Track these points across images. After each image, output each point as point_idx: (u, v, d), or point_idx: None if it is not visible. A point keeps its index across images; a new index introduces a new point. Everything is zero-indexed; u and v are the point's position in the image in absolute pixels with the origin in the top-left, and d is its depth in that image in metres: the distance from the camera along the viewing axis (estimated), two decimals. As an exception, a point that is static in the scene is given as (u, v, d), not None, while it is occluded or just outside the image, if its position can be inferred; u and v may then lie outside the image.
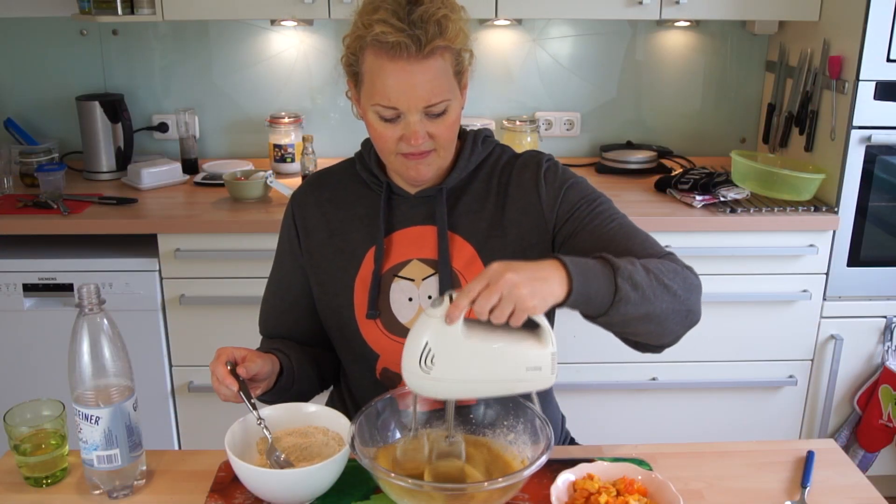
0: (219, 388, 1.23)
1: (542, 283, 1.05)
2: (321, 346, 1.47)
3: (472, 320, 1.07)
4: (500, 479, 1.06)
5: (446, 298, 1.06)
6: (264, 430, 1.21)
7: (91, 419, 1.14)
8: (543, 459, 1.09)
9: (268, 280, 1.49)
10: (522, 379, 1.08)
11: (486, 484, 1.07)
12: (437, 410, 1.25)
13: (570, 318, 1.25)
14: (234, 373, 1.26)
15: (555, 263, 1.09)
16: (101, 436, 1.15)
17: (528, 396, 1.21)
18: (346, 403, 1.48)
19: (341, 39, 1.30)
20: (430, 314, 1.06)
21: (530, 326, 1.09)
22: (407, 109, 1.23)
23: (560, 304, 1.08)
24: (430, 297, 1.34)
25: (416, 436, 1.19)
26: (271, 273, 1.48)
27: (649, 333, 1.20)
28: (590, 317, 1.15)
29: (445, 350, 1.06)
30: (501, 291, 1.02)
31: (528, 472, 1.07)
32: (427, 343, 1.05)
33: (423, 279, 1.35)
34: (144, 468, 1.22)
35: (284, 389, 1.33)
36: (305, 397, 1.40)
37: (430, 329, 1.05)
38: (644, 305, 1.13)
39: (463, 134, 1.41)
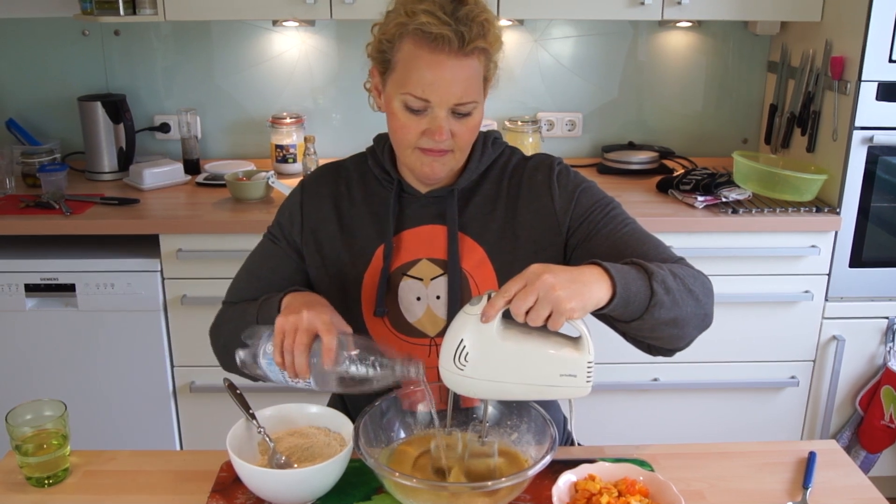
0: (296, 356, 1.15)
1: (581, 286, 1.05)
2: None
3: (511, 322, 1.07)
4: (503, 479, 1.07)
5: (484, 297, 1.07)
6: (265, 438, 1.21)
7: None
8: (548, 459, 1.09)
9: (253, 251, 1.46)
10: (556, 384, 1.09)
11: (490, 483, 1.07)
12: (440, 410, 1.25)
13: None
14: (232, 386, 1.26)
15: (596, 268, 1.10)
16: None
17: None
18: (347, 404, 1.48)
19: (370, 28, 1.30)
20: (468, 312, 1.07)
21: (570, 334, 1.09)
22: (437, 104, 1.23)
23: (601, 309, 1.09)
24: (437, 297, 1.34)
25: (449, 433, 1.20)
26: (260, 245, 1.45)
27: (670, 338, 1.21)
28: (622, 322, 1.15)
29: (480, 348, 1.07)
30: (538, 293, 1.03)
31: (532, 472, 1.07)
32: (462, 340, 1.07)
33: (432, 279, 1.35)
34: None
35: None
36: None
37: (467, 327, 1.07)
38: (674, 310, 1.15)
39: None
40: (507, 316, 1.07)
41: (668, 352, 1.26)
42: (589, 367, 1.08)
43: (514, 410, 1.23)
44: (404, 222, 1.37)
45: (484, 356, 1.07)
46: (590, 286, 1.07)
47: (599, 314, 1.14)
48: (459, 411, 1.26)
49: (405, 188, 1.38)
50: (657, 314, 1.13)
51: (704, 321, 1.23)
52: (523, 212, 1.35)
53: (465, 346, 1.07)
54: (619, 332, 1.23)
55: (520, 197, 1.36)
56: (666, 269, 1.17)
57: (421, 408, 1.26)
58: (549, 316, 1.04)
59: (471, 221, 1.36)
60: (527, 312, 1.04)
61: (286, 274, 1.42)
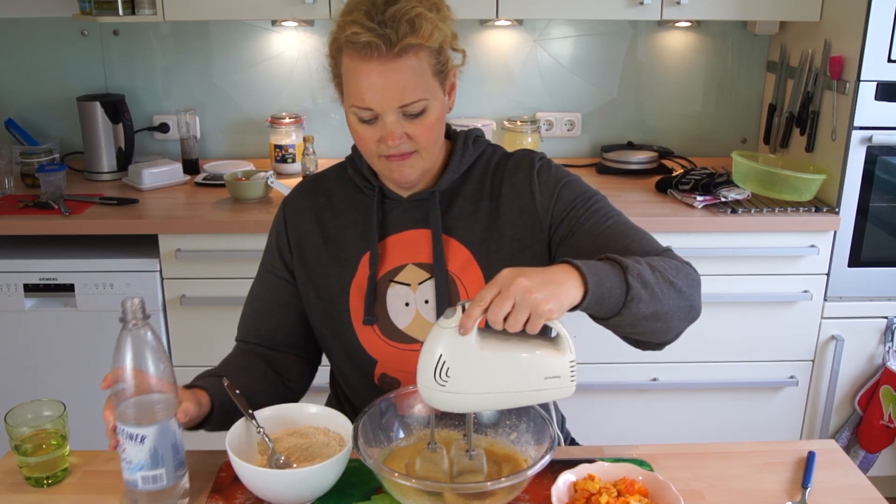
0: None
1: (555, 286, 1.04)
2: (298, 353, 1.45)
3: (487, 330, 1.05)
4: (503, 479, 1.06)
5: (459, 309, 1.04)
6: (265, 438, 1.20)
7: (137, 438, 1.09)
8: (547, 459, 1.08)
9: (252, 283, 1.46)
10: (541, 388, 1.07)
11: (489, 483, 1.06)
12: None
13: (569, 319, 1.25)
14: (230, 387, 1.24)
15: (566, 267, 1.08)
16: (147, 455, 1.10)
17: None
18: (345, 408, 1.47)
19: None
20: (443, 325, 1.04)
21: (547, 335, 1.08)
22: (382, 110, 1.22)
23: (575, 307, 1.08)
24: (426, 302, 1.33)
25: (434, 450, 1.17)
26: (257, 274, 1.46)
27: (655, 331, 1.19)
28: (600, 318, 1.14)
29: (460, 362, 1.04)
30: (514, 298, 1.01)
31: (532, 472, 1.07)
32: (441, 356, 1.03)
33: (420, 283, 1.34)
34: (188, 486, 1.17)
35: (220, 423, 1.27)
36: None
37: (444, 341, 1.04)
38: (653, 303, 1.13)
39: (454, 135, 1.39)
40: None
41: (657, 346, 1.23)
42: (572, 367, 1.06)
43: (512, 410, 1.22)
44: (388, 228, 1.36)
45: (465, 369, 1.04)
46: (563, 285, 1.05)
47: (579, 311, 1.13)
48: (459, 414, 1.24)
49: (387, 194, 1.36)
50: (635, 309, 1.11)
51: (691, 313, 1.20)
52: (506, 210, 1.34)
53: (444, 362, 1.03)
54: (606, 328, 1.22)
55: (502, 195, 1.35)
56: (644, 263, 1.14)
57: (417, 409, 1.25)
58: (527, 320, 1.02)
59: (455, 223, 1.34)
60: (504, 319, 1.02)
61: (283, 300, 1.42)
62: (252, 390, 1.30)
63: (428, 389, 1.06)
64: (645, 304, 1.12)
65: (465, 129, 1.42)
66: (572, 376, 1.07)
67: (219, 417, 1.26)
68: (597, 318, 1.15)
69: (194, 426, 1.25)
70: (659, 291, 1.13)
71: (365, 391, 1.39)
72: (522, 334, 1.04)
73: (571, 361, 1.06)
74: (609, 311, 1.11)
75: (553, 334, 1.08)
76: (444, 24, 1.23)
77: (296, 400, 1.43)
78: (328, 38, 1.27)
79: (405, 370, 1.35)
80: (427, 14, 1.20)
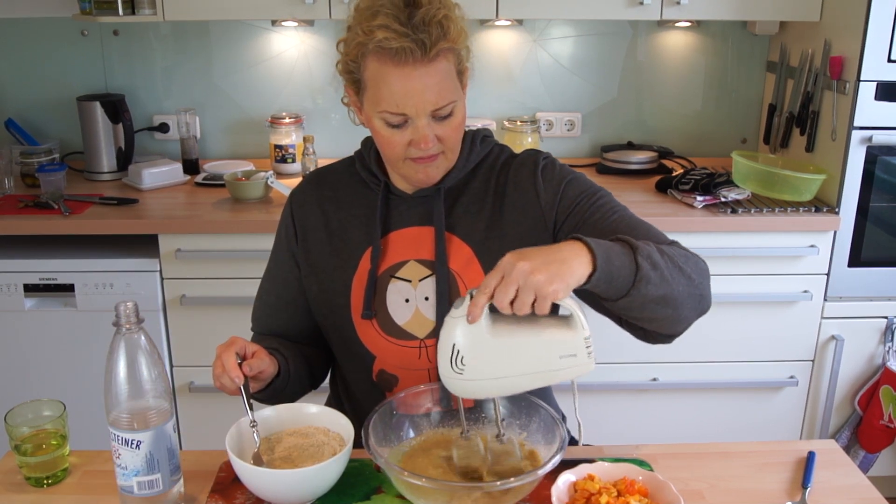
0: (220, 377, 1.21)
1: (559, 265, 1.03)
2: (313, 345, 1.46)
3: (498, 315, 1.06)
4: (512, 479, 1.06)
5: (467, 298, 1.05)
6: (255, 435, 1.20)
7: (132, 444, 1.09)
8: (558, 458, 1.08)
9: (263, 276, 1.48)
10: (559, 367, 1.07)
11: (498, 483, 1.06)
12: (449, 409, 1.25)
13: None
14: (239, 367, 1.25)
15: (575, 243, 1.08)
16: (143, 461, 1.10)
17: (545, 392, 1.19)
18: (344, 405, 1.48)
19: (336, 45, 1.29)
20: (453, 315, 1.06)
21: (560, 314, 1.08)
22: (415, 114, 1.22)
23: (583, 284, 1.06)
24: (426, 299, 1.34)
25: (467, 437, 1.18)
26: (267, 269, 1.48)
27: (665, 318, 1.17)
28: (608, 299, 1.13)
29: (474, 349, 1.06)
30: (518, 282, 1.01)
31: (542, 472, 1.07)
32: (455, 345, 1.06)
33: (420, 280, 1.34)
34: (183, 491, 1.17)
35: (278, 391, 1.33)
36: (295, 398, 1.39)
37: (456, 330, 1.06)
38: (662, 286, 1.12)
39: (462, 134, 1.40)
40: (494, 310, 1.06)
41: (667, 338, 1.23)
42: (587, 343, 1.06)
43: (523, 410, 1.23)
44: (392, 224, 1.37)
45: (480, 356, 1.06)
46: (569, 263, 1.04)
47: (586, 293, 1.12)
48: (468, 410, 1.25)
49: (392, 190, 1.37)
50: (644, 290, 1.10)
51: (701, 303, 1.19)
52: (510, 209, 1.34)
53: (458, 351, 1.05)
54: (612, 314, 1.20)
55: (506, 194, 1.35)
56: (653, 246, 1.14)
57: (427, 409, 1.25)
58: (534, 302, 1.02)
59: (458, 221, 1.35)
60: (511, 303, 1.03)
61: (292, 296, 1.43)
62: (291, 357, 1.36)
63: (447, 378, 1.08)
64: (654, 287, 1.11)
65: (474, 128, 1.43)
66: (589, 352, 1.07)
67: (282, 383, 1.32)
68: (604, 300, 1.14)
69: (258, 393, 1.31)
70: (668, 275, 1.12)
71: (363, 387, 1.39)
72: (533, 316, 1.04)
73: (586, 338, 1.06)
74: (617, 291, 1.10)
75: (566, 313, 1.07)
76: (464, 24, 1.26)
77: (315, 385, 1.47)
78: (347, 43, 1.25)
79: (403, 367, 1.35)
80: (451, 15, 1.22)
